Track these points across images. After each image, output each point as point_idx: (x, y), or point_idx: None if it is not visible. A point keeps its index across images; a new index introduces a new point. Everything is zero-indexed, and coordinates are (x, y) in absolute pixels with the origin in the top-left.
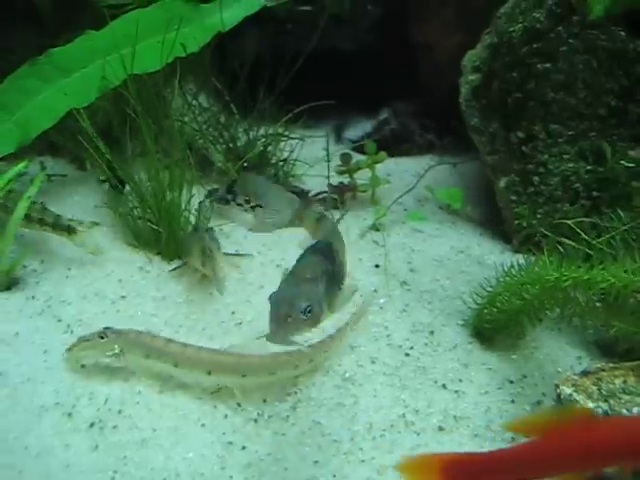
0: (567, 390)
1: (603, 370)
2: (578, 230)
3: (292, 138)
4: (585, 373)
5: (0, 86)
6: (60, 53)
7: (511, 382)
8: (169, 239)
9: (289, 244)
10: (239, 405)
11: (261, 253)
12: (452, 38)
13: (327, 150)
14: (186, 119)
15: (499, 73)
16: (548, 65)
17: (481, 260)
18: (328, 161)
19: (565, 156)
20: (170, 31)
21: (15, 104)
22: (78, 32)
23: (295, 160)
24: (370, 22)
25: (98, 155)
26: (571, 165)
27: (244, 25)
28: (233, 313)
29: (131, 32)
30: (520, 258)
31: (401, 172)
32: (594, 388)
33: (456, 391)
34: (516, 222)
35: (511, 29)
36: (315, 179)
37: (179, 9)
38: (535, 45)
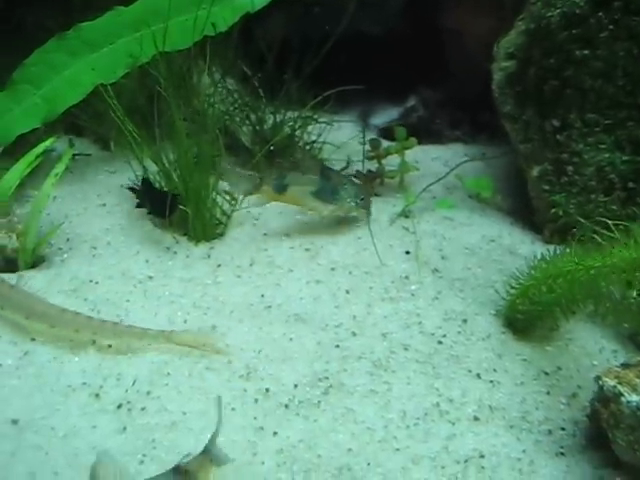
0: (610, 382)
1: None
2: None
3: (320, 122)
4: (627, 365)
5: (27, 60)
6: (88, 28)
7: (546, 374)
8: (196, 220)
9: (317, 227)
10: (267, 390)
11: (289, 236)
12: (483, 24)
13: (363, 133)
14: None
15: (536, 59)
16: (587, 52)
17: (512, 250)
18: (364, 144)
19: (601, 146)
20: (200, 9)
21: (42, 78)
22: (104, 9)
23: (323, 142)
24: (398, 6)
25: (125, 134)
26: (607, 155)
27: (270, 7)
28: (262, 296)
29: (160, 9)
30: (551, 249)
31: (429, 160)
32: (638, 381)
33: (491, 381)
34: (552, 211)
35: (549, 14)
36: (342, 164)
37: None
38: (574, 31)
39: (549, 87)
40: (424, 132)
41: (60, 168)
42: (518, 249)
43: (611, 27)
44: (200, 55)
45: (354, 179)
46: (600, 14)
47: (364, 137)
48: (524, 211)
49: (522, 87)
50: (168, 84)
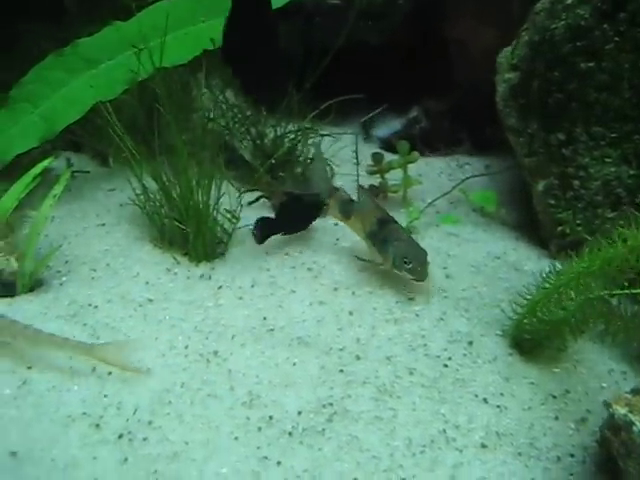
0: (621, 410)
1: None
2: None
3: (321, 135)
4: (637, 391)
5: (25, 77)
6: (86, 44)
7: (554, 397)
8: (197, 240)
9: (320, 245)
10: (271, 418)
11: (290, 255)
12: (487, 34)
13: (356, 152)
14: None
15: (539, 72)
16: (592, 64)
17: (518, 266)
18: (357, 163)
19: (607, 159)
20: (198, 23)
21: (40, 96)
22: (103, 22)
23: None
24: (401, 16)
25: (124, 150)
26: (613, 169)
27: None
28: (264, 319)
29: (159, 23)
30: (557, 264)
31: (432, 172)
32: None
33: (498, 406)
34: (559, 229)
35: (553, 26)
36: (344, 178)
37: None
38: (579, 43)
39: (553, 100)
40: (427, 143)
41: (58, 189)
42: (524, 266)
43: (617, 39)
44: (199, 68)
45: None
46: (605, 26)
47: (357, 155)
48: (529, 225)
49: (526, 100)
50: (167, 101)
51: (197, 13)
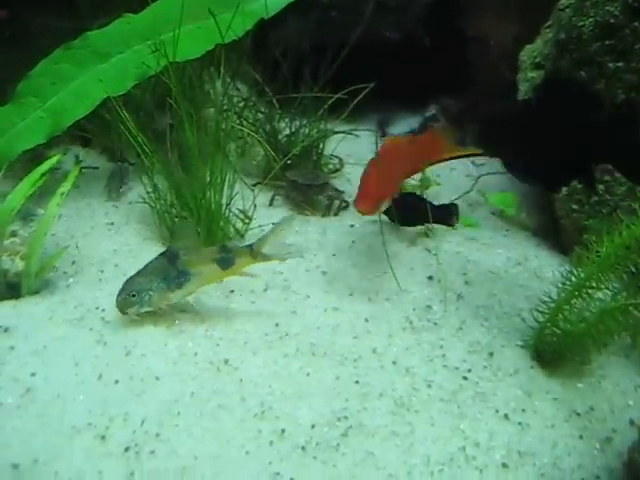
0: None
1: None
2: None
3: (336, 132)
4: None
5: (33, 71)
6: (96, 37)
7: (578, 415)
8: (208, 240)
9: (335, 248)
10: (283, 431)
11: (306, 258)
12: (508, 31)
13: (376, 144)
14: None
15: (565, 71)
16: (620, 64)
17: (539, 274)
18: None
19: None
20: (211, 16)
21: (47, 90)
22: (113, 14)
23: (332, 156)
24: (419, 11)
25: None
26: None
27: (285, 12)
28: (277, 325)
29: (171, 16)
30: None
31: (450, 173)
32: None
33: (519, 423)
34: (585, 237)
35: (580, 24)
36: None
37: None
38: (607, 42)
39: None
40: None
41: (66, 187)
42: (545, 273)
43: None
44: (211, 63)
45: None
46: (636, 24)
47: (377, 147)
48: (551, 230)
49: None
50: (179, 94)
51: (210, 6)
